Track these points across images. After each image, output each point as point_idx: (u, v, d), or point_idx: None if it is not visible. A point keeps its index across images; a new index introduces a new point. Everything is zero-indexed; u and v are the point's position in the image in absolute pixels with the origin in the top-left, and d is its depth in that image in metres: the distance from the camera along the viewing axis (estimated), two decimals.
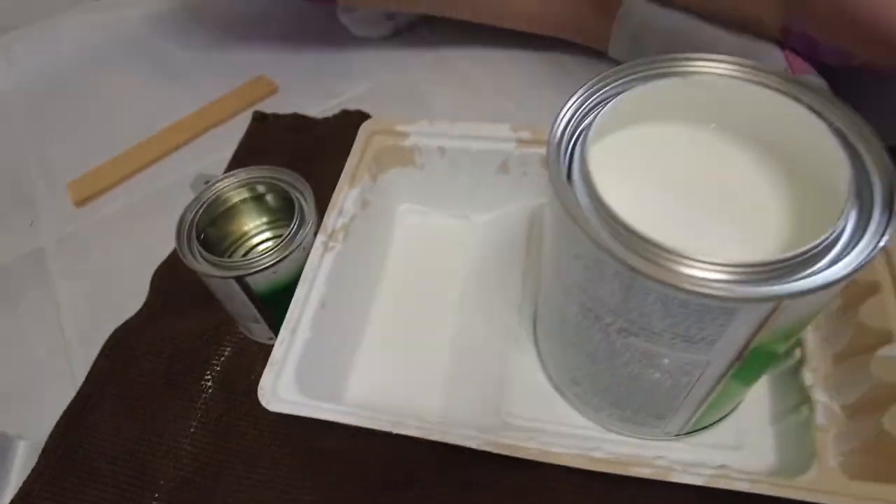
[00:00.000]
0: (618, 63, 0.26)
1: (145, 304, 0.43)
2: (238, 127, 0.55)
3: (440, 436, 0.29)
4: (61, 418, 0.38)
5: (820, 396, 0.30)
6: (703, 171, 0.26)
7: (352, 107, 0.54)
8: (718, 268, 0.20)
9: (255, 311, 0.37)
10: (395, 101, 0.56)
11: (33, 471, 0.36)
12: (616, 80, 0.25)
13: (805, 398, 0.30)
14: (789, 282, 0.20)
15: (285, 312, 0.34)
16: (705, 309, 0.21)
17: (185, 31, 0.66)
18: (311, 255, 0.35)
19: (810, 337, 0.32)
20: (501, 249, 0.41)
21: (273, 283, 0.35)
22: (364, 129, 0.41)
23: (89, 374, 0.40)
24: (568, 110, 0.25)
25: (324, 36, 0.62)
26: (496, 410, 0.34)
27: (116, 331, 0.41)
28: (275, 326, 0.35)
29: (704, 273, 0.20)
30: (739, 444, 0.32)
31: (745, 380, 0.27)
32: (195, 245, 0.35)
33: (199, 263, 0.34)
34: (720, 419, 0.32)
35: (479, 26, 0.56)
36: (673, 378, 0.26)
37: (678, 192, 0.25)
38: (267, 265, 0.34)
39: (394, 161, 0.42)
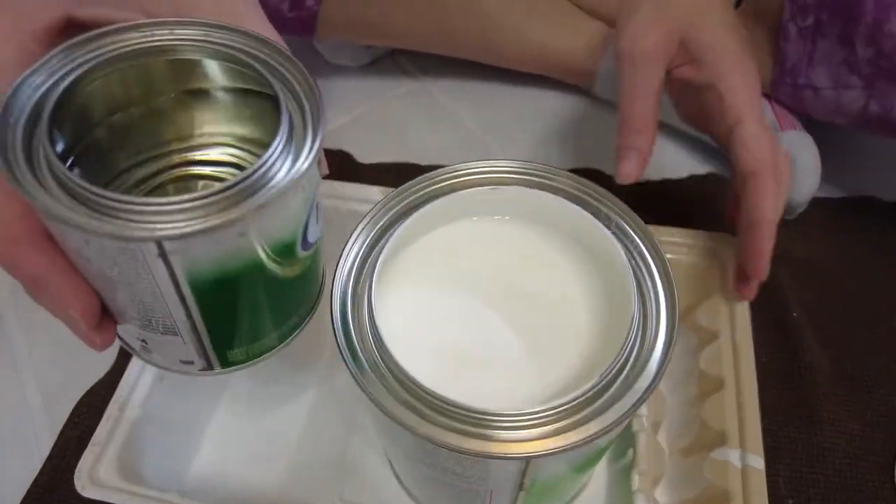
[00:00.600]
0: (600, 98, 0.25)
1: (115, 365, 0.39)
2: None
3: None
4: (28, 494, 0.35)
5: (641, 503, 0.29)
6: (504, 269, 0.24)
7: (329, 139, 0.51)
8: (473, 416, 0.19)
9: (178, 311, 0.20)
10: (373, 134, 0.53)
11: None
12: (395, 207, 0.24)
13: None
14: (558, 436, 0.19)
15: (248, 321, 0.23)
16: (456, 458, 0.20)
17: None
18: None
19: (646, 439, 0.31)
20: None
21: (223, 262, 0.19)
22: None
23: (55, 445, 0.37)
24: (351, 250, 0.24)
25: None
26: (331, 494, 0.33)
27: (85, 396, 0.38)
28: (214, 345, 0.23)
29: (465, 418, 0.19)
30: None
31: (554, 495, 0.27)
32: (51, 154, 0.18)
33: (53, 197, 0.17)
34: None
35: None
36: (470, 498, 0.25)
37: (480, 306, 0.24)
38: (216, 223, 0.17)
39: None
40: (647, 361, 0.20)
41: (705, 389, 0.33)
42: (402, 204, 0.24)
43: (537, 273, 0.23)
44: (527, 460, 0.19)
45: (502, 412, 0.19)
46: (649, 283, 0.22)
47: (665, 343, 0.21)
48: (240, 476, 0.34)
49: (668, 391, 0.35)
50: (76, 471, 0.30)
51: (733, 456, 0.30)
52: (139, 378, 0.33)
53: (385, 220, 0.24)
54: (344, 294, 0.22)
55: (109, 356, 0.40)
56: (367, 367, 0.21)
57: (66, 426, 0.38)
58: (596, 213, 0.24)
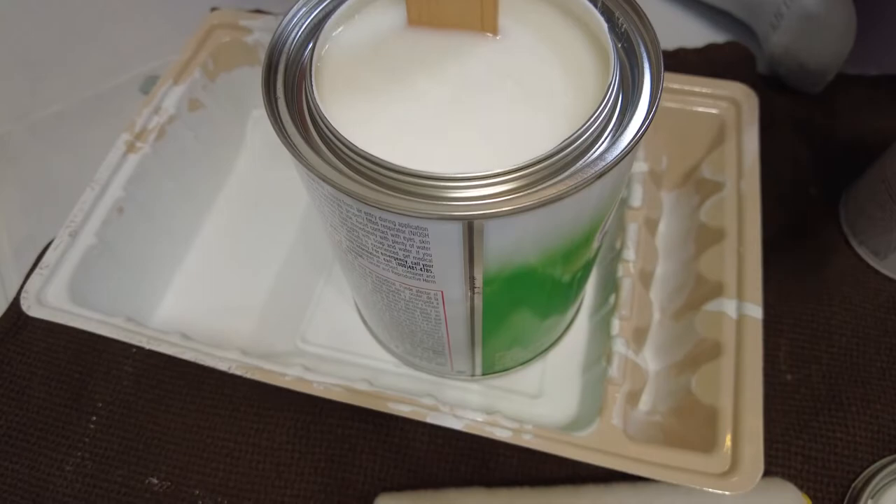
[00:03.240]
0: None
1: None
2: (193, 22, 0.49)
3: (193, 356, 0.26)
4: None
5: (619, 347, 0.26)
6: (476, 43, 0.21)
7: None
8: (417, 181, 0.17)
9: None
10: None
11: None
12: None
13: (609, 349, 0.27)
14: (513, 197, 0.16)
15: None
16: (395, 227, 0.17)
17: None
18: (108, 156, 0.32)
19: (630, 285, 0.28)
20: None
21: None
22: (205, 21, 0.37)
23: (22, 289, 0.36)
24: (292, 17, 0.20)
25: None
26: (293, 337, 0.31)
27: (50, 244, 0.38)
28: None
29: (409, 188, 0.17)
30: (541, 391, 0.29)
31: (525, 311, 0.24)
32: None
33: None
34: (525, 362, 0.29)
35: None
36: (422, 308, 0.22)
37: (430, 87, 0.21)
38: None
39: (239, 59, 0.38)
40: (627, 124, 0.17)
41: (704, 243, 0.30)
42: None
43: (517, 50, 0.20)
44: (469, 222, 0.16)
45: (450, 174, 0.16)
46: (636, 55, 0.19)
47: (646, 110, 0.18)
48: (209, 319, 0.33)
49: (666, 249, 0.32)
50: (23, 291, 0.28)
51: (729, 306, 0.27)
52: (92, 207, 0.31)
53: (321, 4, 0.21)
54: (279, 75, 0.19)
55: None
56: (309, 145, 0.18)
57: (31, 271, 0.37)
58: None
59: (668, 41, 0.43)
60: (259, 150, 0.40)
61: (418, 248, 0.18)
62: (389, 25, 0.21)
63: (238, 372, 0.26)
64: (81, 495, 0.31)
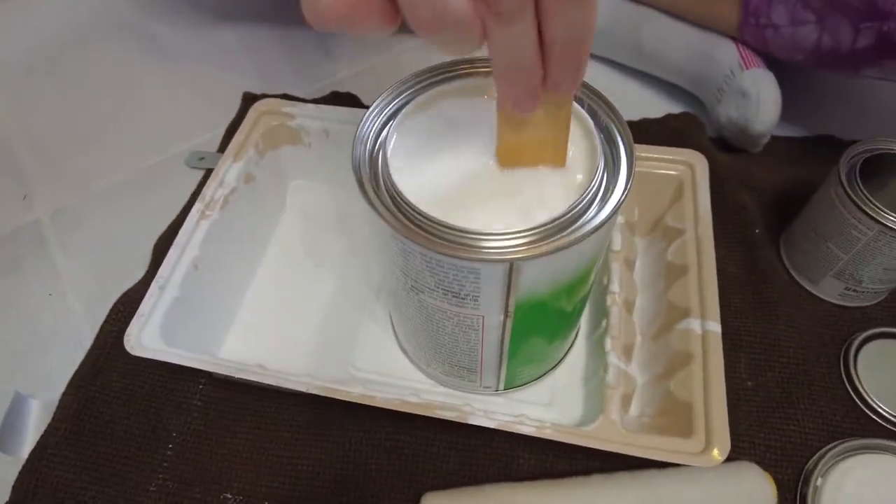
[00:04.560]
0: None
1: (147, 273, 0.45)
2: (227, 105, 0.56)
3: (275, 381, 0.33)
4: (74, 377, 0.40)
5: (613, 360, 0.34)
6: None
7: (340, 86, 0.56)
8: (470, 236, 0.24)
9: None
10: (380, 85, 0.56)
11: (50, 426, 0.38)
12: (411, 87, 0.29)
13: (605, 362, 0.34)
14: (535, 246, 0.24)
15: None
16: (456, 268, 0.25)
17: (171, 11, 0.67)
18: (186, 222, 0.39)
19: (618, 312, 0.36)
20: None
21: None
22: (254, 108, 0.44)
23: (97, 338, 0.42)
24: (373, 111, 0.28)
25: None
26: (345, 366, 0.38)
27: (121, 298, 0.43)
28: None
29: (461, 240, 0.24)
30: (552, 401, 0.36)
31: (540, 335, 0.31)
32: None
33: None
34: (537, 378, 0.36)
35: None
36: (464, 333, 0.29)
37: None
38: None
39: (283, 139, 0.45)
40: (610, 197, 0.25)
41: (672, 278, 0.38)
42: (423, 83, 0.29)
43: None
44: (511, 263, 0.24)
45: (490, 230, 0.24)
46: (613, 141, 0.27)
47: (625, 180, 0.25)
48: (265, 354, 0.39)
49: (642, 284, 0.40)
50: (126, 335, 0.35)
51: (695, 324, 0.34)
52: (176, 265, 0.37)
53: (407, 92, 0.29)
54: (364, 154, 0.27)
55: (137, 272, 0.45)
56: (385, 207, 0.25)
57: (105, 323, 0.43)
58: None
59: (633, 112, 0.52)
60: (297, 213, 0.47)
61: (471, 283, 0.25)
62: (448, 117, 0.28)
63: (314, 391, 0.32)
64: None
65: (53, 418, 0.39)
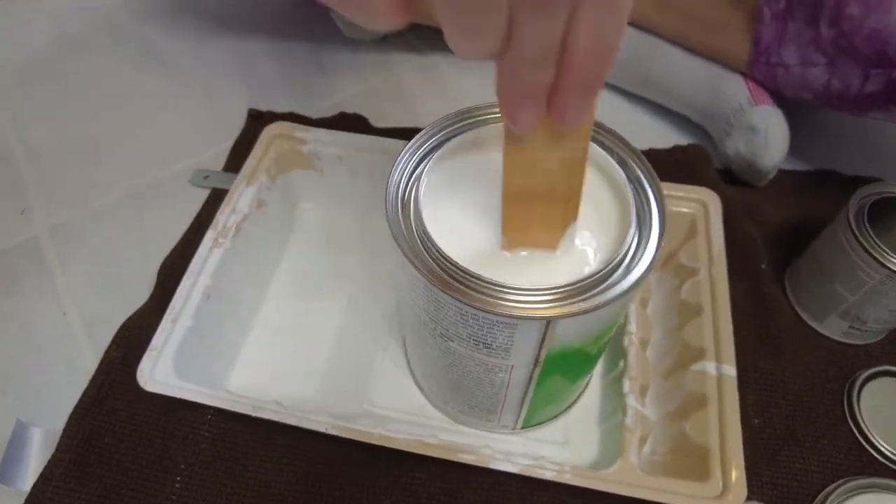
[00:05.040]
0: None
1: (152, 297, 0.43)
2: (230, 120, 0.56)
3: (295, 420, 0.32)
4: (78, 405, 0.39)
5: (632, 402, 0.34)
6: None
7: (346, 105, 0.55)
8: (506, 290, 0.24)
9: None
10: (384, 104, 0.57)
11: (54, 456, 0.37)
12: (450, 125, 0.29)
13: (623, 404, 0.35)
14: (571, 303, 0.24)
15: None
16: (492, 322, 0.25)
17: (171, 21, 0.66)
18: (199, 250, 0.38)
19: (635, 352, 0.36)
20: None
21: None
22: (266, 131, 0.44)
23: (101, 363, 0.41)
24: (405, 154, 0.28)
25: (312, 33, 0.63)
26: (360, 401, 0.37)
27: (126, 323, 0.42)
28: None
29: (497, 295, 0.24)
30: (567, 440, 0.36)
31: (562, 378, 0.31)
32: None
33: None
34: (554, 417, 0.36)
35: None
36: (489, 377, 0.29)
37: None
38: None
39: (294, 163, 0.45)
40: (643, 254, 0.25)
41: (686, 316, 0.38)
42: (446, 131, 0.29)
43: None
44: (548, 321, 0.24)
45: (526, 286, 0.24)
46: (644, 199, 0.27)
47: (657, 241, 0.26)
48: (276, 385, 0.38)
49: (654, 320, 0.40)
50: (138, 371, 0.34)
51: (710, 367, 0.35)
52: (189, 295, 0.37)
53: (431, 141, 0.29)
54: (395, 199, 0.27)
55: (139, 293, 0.44)
56: (416, 255, 0.25)
57: (109, 349, 0.42)
58: (602, 145, 0.29)
59: (641, 142, 0.52)
60: (306, 238, 0.47)
61: (506, 336, 0.25)
62: (486, 162, 0.28)
63: (334, 432, 0.32)
64: None
65: (57, 448, 0.38)
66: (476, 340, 0.26)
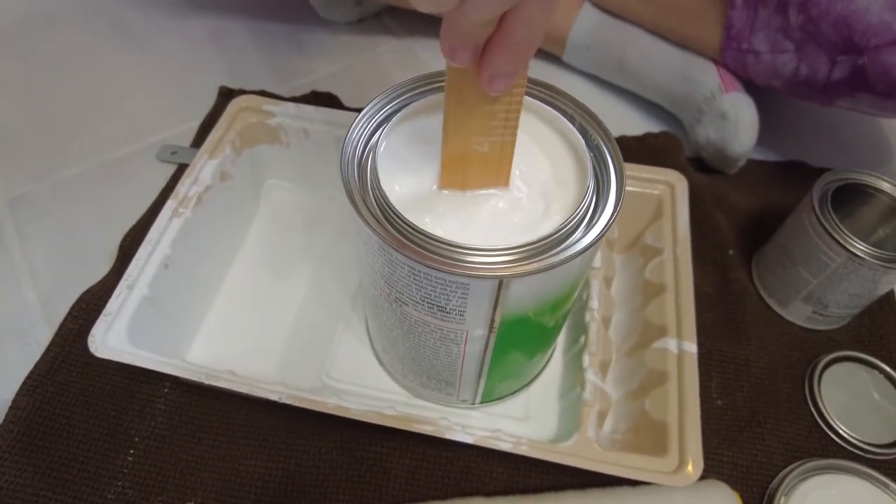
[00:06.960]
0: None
1: (112, 269, 0.43)
2: (201, 98, 0.55)
3: (247, 389, 0.32)
4: (29, 376, 0.38)
5: (590, 377, 0.34)
6: None
7: (319, 85, 0.55)
8: (461, 251, 0.24)
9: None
10: (359, 85, 0.57)
11: (1, 427, 0.36)
12: (406, 93, 0.29)
13: (582, 379, 0.34)
14: (525, 264, 0.24)
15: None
16: (444, 282, 0.24)
17: None
18: (158, 218, 0.37)
19: (596, 328, 0.36)
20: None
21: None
22: (233, 104, 0.43)
23: (56, 335, 0.40)
24: (363, 116, 0.28)
25: (288, 13, 0.63)
26: (319, 374, 0.37)
27: (83, 295, 0.41)
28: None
29: (452, 255, 0.24)
30: (527, 415, 0.36)
31: (519, 352, 0.31)
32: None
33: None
34: (513, 393, 0.36)
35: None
36: (446, 346, 0.29)
37: None
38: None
39: (261, 138, 0.44)
40: (601, 214, 0.25)
41: (649, 295, 0.38)
42: (419, 89, 0.28)
43: (520, 153, 0.27)
44: (500, 280, 0.23)
45: (482, 246, 0.24)
46: (604, 161, 0.27)
47: (614, 203, 0.25)
48: (235, 359, 0.38)
49: (618, 300, 0.40)
50: (90, 336, 0.33)
51: (671, 343, 0.35)
52: (146, 264, 0.36)
53: (389, 106, 0.28)
54: (352, 160, 0.26)
55: (99, 267, 0.43)
56: (373, 216, 0.25)
57: (65, 320, 0.41)
58: (564, 113, 0.29)
59: (613, 129, 0.52)
60: (272, 214, 0.46)
61: (459, 297, 0.25)
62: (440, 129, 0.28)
63: (287, 401, 0.31)
64: None
65: (5, 419, 0.37)
66: (430, 303, 0.26)
